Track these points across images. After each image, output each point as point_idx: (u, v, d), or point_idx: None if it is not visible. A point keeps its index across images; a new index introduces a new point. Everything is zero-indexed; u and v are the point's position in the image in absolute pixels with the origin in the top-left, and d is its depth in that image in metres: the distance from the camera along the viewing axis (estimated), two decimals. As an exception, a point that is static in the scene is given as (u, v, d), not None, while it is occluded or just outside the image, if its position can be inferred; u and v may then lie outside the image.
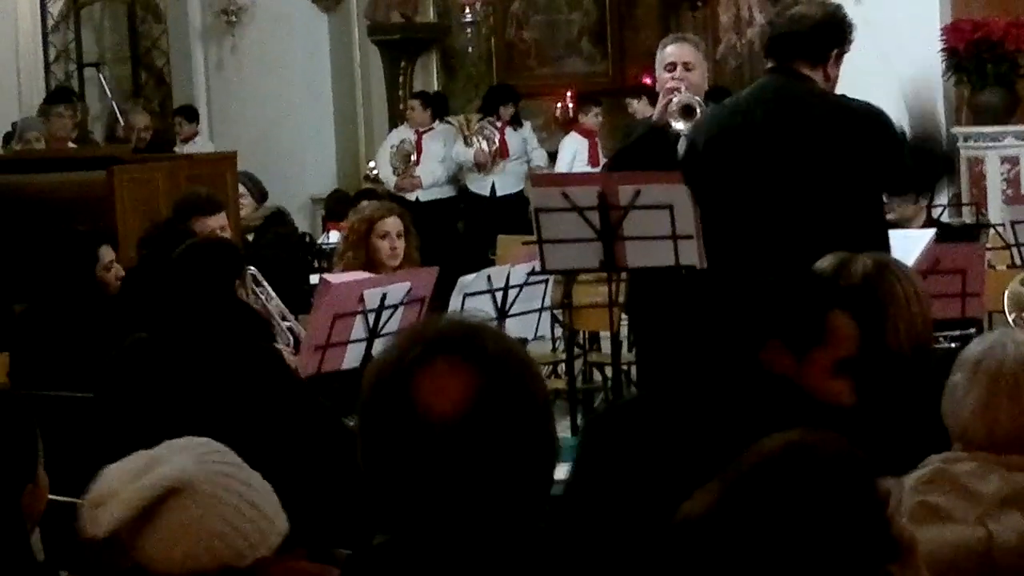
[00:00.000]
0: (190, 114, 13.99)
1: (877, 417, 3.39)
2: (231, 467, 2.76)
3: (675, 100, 6.51)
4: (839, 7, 5.61)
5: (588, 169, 12.20)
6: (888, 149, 5.32)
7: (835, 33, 5.47)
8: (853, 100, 5.44)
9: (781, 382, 3.28)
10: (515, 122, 13.37)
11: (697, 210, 5.96)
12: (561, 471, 2.20)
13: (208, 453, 2.76)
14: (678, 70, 6.71)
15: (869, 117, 5.36)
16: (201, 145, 13.51)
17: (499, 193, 13.18)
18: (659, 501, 2.32)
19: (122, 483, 2.60)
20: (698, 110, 6.43)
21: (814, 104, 5.36)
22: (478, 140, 13.29)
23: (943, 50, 10.98)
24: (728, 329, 3.41)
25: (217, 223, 6.84)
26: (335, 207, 12.35)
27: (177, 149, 13.05)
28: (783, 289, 3.40)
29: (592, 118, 13.19)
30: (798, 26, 5.43)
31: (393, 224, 6.95)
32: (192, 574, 2.59)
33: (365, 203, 7.63)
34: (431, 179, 13.35)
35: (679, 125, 6.49)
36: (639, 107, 11.98)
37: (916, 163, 5.43)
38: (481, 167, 13.24)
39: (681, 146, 6.62)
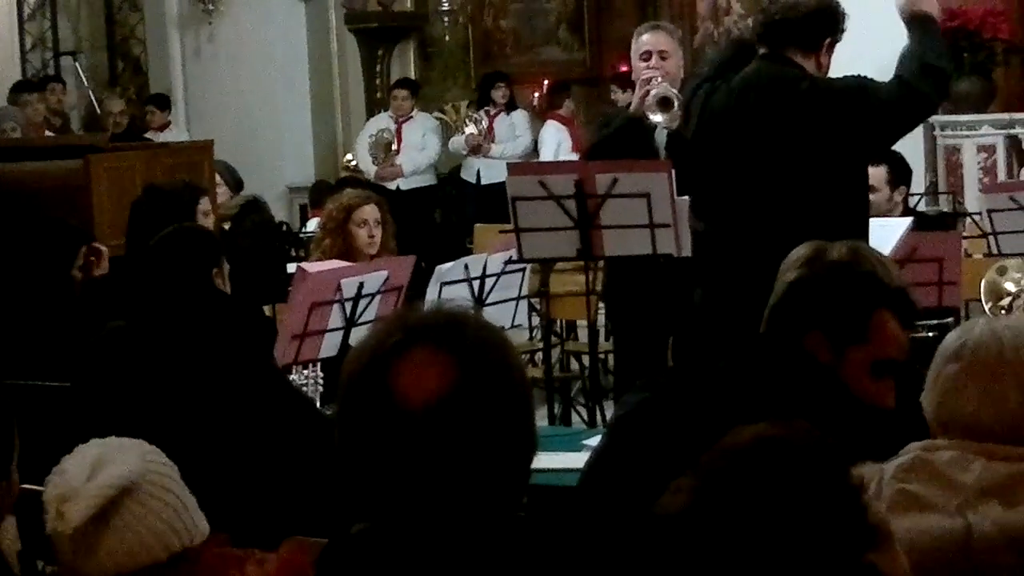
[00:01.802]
0: (162, 103, 13.93)
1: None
2: (167, 467, 2.83)
3: (652, 93, 6.52)
4: None
5: (574, 157, 12.14)
6: (870, 114, 5.33)
7: (828, 22, 5.47)
8: (838, 80, 5.46)
9: (825, 373, 3.26)
10: (510, 106, 13.37)
11: (675, 197, 5.97)
12: (540, 460, 2.19)
13: (148, 453, 2.83)
14: (653, 59, 6.73)
15: (851, 93, 5.38)
16: (176, 134, 13.45)
17: (484, 181, 13.15)
18: None
19: (79, 480, 2.69)
20: (675, 102, 6.44)
21: (803, 91, 5.35)
22: (467, 124, 13.30)
23: (920, 39, 10.98)
24: (771, 317, 3.39)
25: (202, 208, 6.83)
26: (319, 196, 12.32)
27: (150, 137, 12.97)
28: (831, 282, 3.38)
29: (566, 105, 13.20)
30: (792, 13, 5.44)
31: (371, 212, 6.95)
32: (129, 572, 2.68)
33: (347, 190, 7.61)
34: (412, 167, 13.34)
35: (657, 118, 6.50)
36: (622, 97, 11.86)
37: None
38: (475, 150, 13.23)
39: (659, 136, 6.63)
